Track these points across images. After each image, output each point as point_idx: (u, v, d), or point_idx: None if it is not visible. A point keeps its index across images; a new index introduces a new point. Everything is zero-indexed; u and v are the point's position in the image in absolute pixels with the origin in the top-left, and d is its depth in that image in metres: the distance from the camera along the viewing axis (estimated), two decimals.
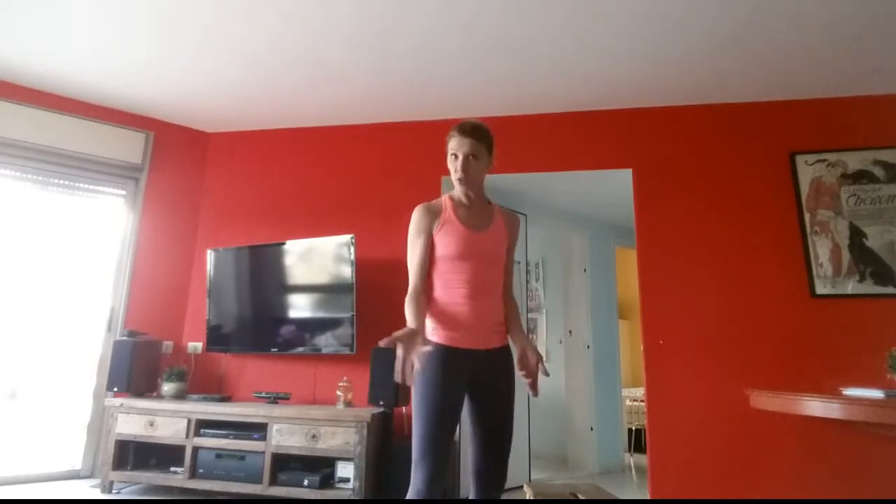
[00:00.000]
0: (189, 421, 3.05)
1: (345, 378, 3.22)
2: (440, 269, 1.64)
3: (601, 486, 2.72)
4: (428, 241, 1.66)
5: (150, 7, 2.61)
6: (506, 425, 1.60)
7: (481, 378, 1.59)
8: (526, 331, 1.88)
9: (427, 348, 1.48)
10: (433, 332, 1.58)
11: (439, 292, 1.62)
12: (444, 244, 1.64)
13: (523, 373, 1.60)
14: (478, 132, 1.66)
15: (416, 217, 1.70)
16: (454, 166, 1.67)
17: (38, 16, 2.73)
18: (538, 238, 5.14)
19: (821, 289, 2.93)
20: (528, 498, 1.64)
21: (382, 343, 1.34)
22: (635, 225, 3.28)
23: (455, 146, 1.66)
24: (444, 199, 1.74)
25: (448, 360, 1.54)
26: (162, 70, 3.20)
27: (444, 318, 1.58)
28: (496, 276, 1.69)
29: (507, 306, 1.72)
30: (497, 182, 3.78)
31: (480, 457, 1.57)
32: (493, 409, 1.60)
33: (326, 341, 3.29)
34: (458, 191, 1.72)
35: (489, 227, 1.69)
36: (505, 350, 1.67)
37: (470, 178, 1.66)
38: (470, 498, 1.59)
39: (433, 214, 1.68)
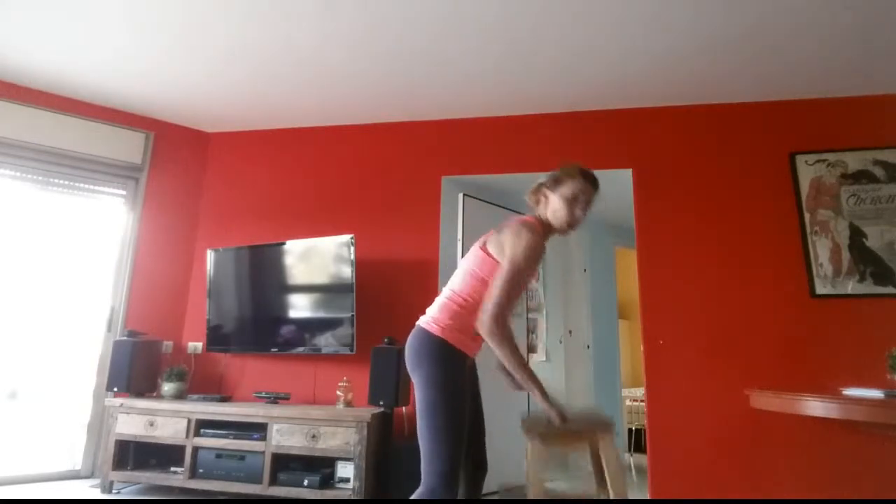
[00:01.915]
0: (189, 421, 3.05)
1: (345, 378, 3.22)
2: (482, 294, 1.57)
3: None
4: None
5: (151, 7, 2.61)
6: (478, 416, 1.71)
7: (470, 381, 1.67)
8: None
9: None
10: (457, 339, 1.54)
11: (475, 310, 1.55)
12: (526, 280, 1.57)
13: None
14: (597, 182, 1.69)
15: (539, 242, 1.55)
16: (576, 211, 1.62)
17: (39, 16, 2.73)
18: None
19: (821, 289, 2.93)
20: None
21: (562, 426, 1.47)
22: (635, 225, 3.28)
23: (585, 192, 1.63)
24: (539, 229, 1.62)
25: (465, 369, 1.58)
26: (162, 70, 3.20)
27: (469, 330, 1.57)
28: None
29: None
30: (497, 182, 3.78)
31: (476, 443, 1.65)
32: (478, 403, 1.71)
33: (326, 341, 3.29)
34: (551, 228, 1.67)
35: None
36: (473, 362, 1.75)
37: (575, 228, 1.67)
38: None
39: (543, 244, 1.59)
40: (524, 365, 1.49)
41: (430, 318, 1.58)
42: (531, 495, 1.53)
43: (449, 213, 3.63)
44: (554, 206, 1.64)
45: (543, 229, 1.64)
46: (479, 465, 1.66)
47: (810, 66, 2.91)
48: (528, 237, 1.52)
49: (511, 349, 1.47)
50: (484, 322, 1.47)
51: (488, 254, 1.58)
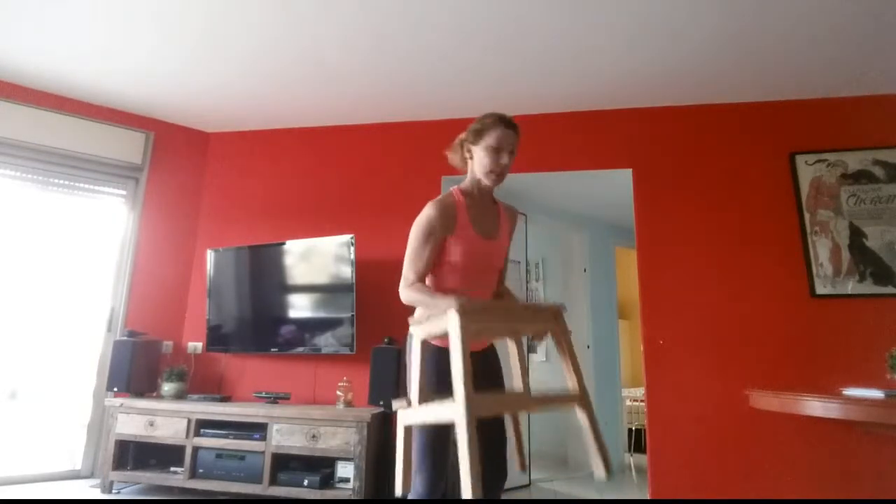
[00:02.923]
0: (189, 421, 3.05)
1: (345, 378, 3.22)
2: (440, 272, 1.59)
3: (600, 485, 2.70)
4: (437, 246, 1.54)
5: (151, 7, 2.61)
6: (497, 420, 1.61)
7: (475, 374, 1.60)
8: None
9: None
10: (427, 335, 1.56)
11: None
12: (455, 252, 1.56)
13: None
14: (517, 126, 1.61)
15: (431, 216, 1.53)
16: (491, 160, 1.56)
17: (39, 15, 2.73)
18: (538, 238, 5.14)
19: (821, 289, 2.93)
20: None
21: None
22: (635, 225, 3.28)
23: (497, 139, 1.56)
24: (457, 198, 1.60)
25: (444, 364, 1.53)
26: (162, 70, 3.20)
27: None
28: (494, 280, 1.70)
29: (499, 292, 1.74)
30: None
31: (498, 449, 1.60)
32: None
33: (326, 341, 3.29)
34: (476, 186, 1.63)
35: (498, 233, 1.66)
36: (491, 350, 1.68)
37: (504, 176, 1.60)
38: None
39: (449, 217, 1.55)
40: (421, 294, 1.50)
41: (412, 320, 1.60)
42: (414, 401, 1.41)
43: None
44: (479, 158, 1.59)
45: (458, 195, 1.61)
46: (499, 468, 1.60)
47: (810, 67, 2.91)
48: (427, 210, 1.55)
49: (411, 293, 1.51)
50: (401, 287, 1.54)
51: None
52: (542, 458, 4.75)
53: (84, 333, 3.52)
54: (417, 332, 1.47)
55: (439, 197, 1.60)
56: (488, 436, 1.57)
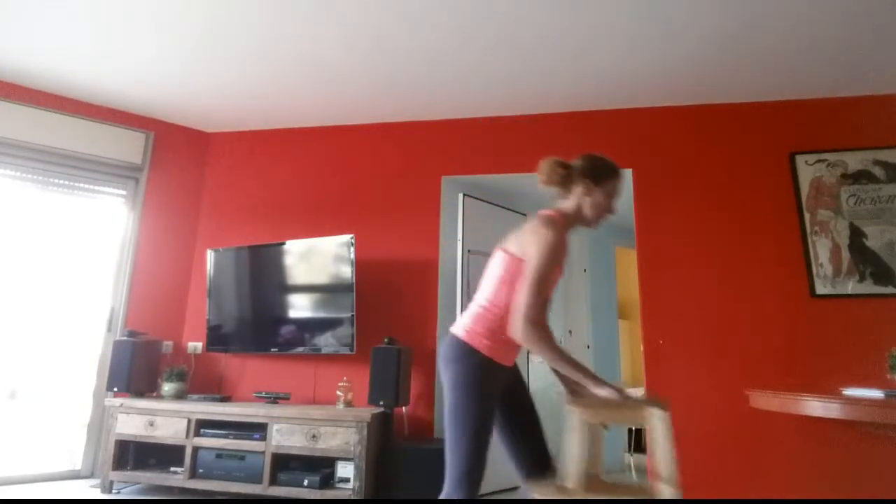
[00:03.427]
0: (189, 421, 3.05)
1: (345, 378, 3.22)
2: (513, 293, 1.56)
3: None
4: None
5: (151, 7, 2.61)
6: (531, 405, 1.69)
7: (509, 387, 1.65)
8: None
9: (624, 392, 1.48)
10: (486, 347, 1.53)
11: (505, 315, 1.55)
12: (553, 276, 1.54)
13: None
14: None
15: (562, 239, 1.52)
16: (608, 207, 1.64)
17: (39, 15, 2.73)
18: None
19: (821, 289, 2.93)
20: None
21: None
22: (635, 225, 3.28)
23: (619, 189, 1.66)
24: (565, 224, 1.62)
25: (494, 376, 1.55)
26: (162, 70, 3.20)
27: (504, 339, 1.55)
28: None
29: None
30: (497, 182, 3.78)
31: (538, 447, 1.64)
32: (529, 405, 1.68)
33: (326, 341, 3.29)
34: (578, 218, 1.65)
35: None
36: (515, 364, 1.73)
37: None
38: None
39: (566, 240, 1.57)
40: (567, 358, 1.46)
41: (461, 325, 1.59)
42: (572, 483, 1.41)
43: (449, 213, 3.63)
44: (598, 200, 1.63)
45: (566, 222, 1.63)
46: (544, 466, 1.63)
47: (810, 67, 2.91)
48: (548, 234, 1.49)
49: (549, 347, 1.45)
50: (517, 327, 1.45)
51: (510, 254, 1.56)
52: None
53: (84, 333, 3.52)
54: (582, 414, 1.44)
55: (553, 218, 1.57)
56: (534, 426, 1.64)
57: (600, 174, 1.64)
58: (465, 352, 1.53)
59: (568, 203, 1.66)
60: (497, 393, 1.56)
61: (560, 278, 1.63)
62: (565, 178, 1.66)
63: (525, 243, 1.53)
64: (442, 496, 1.48)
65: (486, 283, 1.62)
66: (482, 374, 1.51)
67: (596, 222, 1.66)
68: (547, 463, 1.64)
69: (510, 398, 1.65)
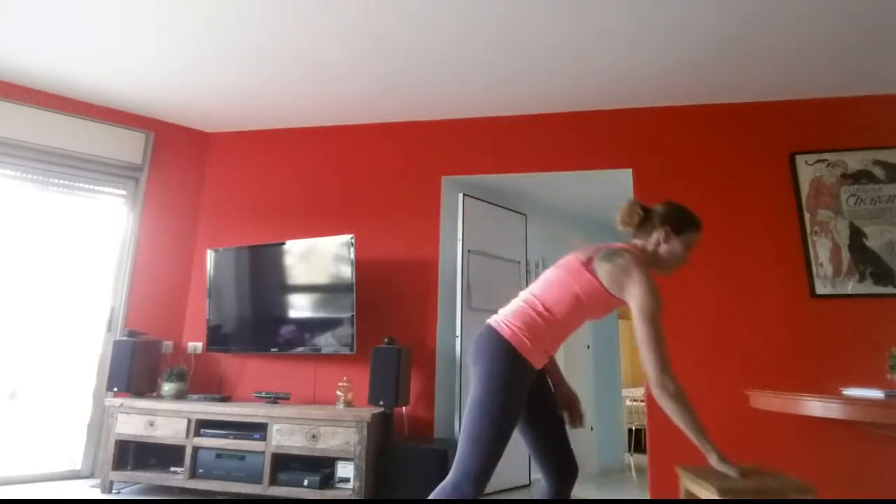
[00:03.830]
0: (189, 421, 3.05)
1: (345, 378, 3.22)
2: (577, 313, 1.56)
3: (600, 485, 2.71)
4: None
5: (150, 7, 2.61)
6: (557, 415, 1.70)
7: (534, 389, 1.65)
8: None
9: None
10: (526, 348, 1.52)
11: (555, 323, 1.55)
12: (613, 302, 1.57)
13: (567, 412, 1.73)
14: None
15: (654, 279, 1.53)
16: (684, 258, 1.66)
17: (39, 15, 2.73)
18: (538, 238, 5.13)
19: (821, 289, 2.93)
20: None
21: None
22: None
23: (696, 242, 1.68)
24: (645, 260, 1.64)
25: (527, 376, 1.54)
26: (162, 70, 3.20)
27: (543, 341, 1.55)
28: None
29: None
30: (497, 182, 3.78)
31: (562, 448, 1.65)
32: (553, 408, 1.69)
33: (326, 341, 3.29)
34: (651, 262, 1.66)
35: None
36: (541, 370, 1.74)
37: None
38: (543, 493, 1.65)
39: None
40: (698, 425, 1.44)
41: (501, 319, 1.57)
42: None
43: (449, 213, 3.63)
44: (675, 250, 1.65)
45: (646, 260, 1.64)
46: (572, 470, 1.63)
47: (810, 66, 2.91)
48: (647, 281, 1.50)
49: (682, 406, 1.43)
50: (654, 381, 1.45)
51: (595, 276, 1.54)
52: None
53: (84, 333, 3.52)
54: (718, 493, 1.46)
55: (639, 258, 1.58)
56: (558, 427, 1.66)
57: (682, 225, 1.65)
58: (504, 348, 1.51)
59: (645, 244, 1.68)
60: (524, 394, 1.55)
61: (609, 310, 1.63)
62: (644, 220, 1.68)
63: (626, 287, 1.51)
64: (443, 487, 1.45)
65: (544, 285, 1.59)
66: (517, 372, 1.50)
67: (668, 271, 1.67)
68: (571, 463, 1.64)
69: (536, 400, 1.65)
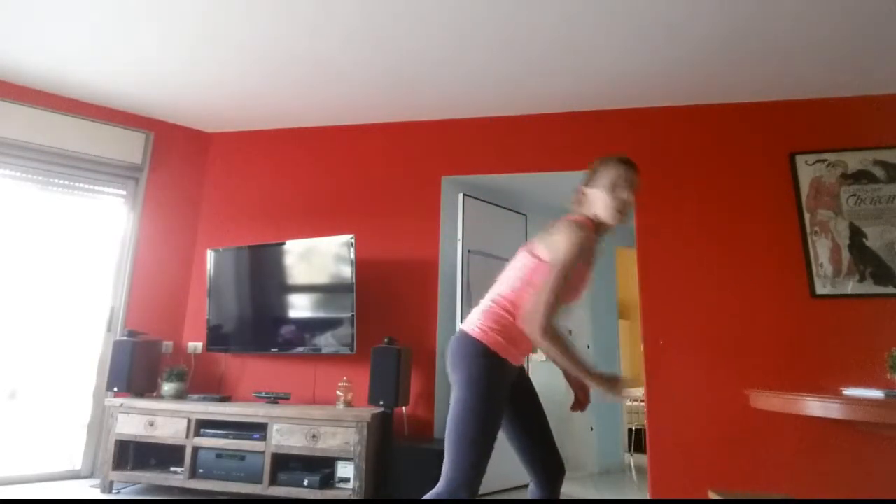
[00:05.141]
0: (189, 421, 3.05)
1: (345, 378, 3.22)
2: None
3: (600, 485, 2.71)
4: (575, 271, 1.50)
5: (150, 7, 2.61)
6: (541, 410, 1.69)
7: (516, 386, 1.65)
8: None
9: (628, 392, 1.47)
10: (500, 346, 1.51)
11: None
12: (576, 280, 1.52)
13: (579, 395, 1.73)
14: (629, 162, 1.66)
15: (585, 239, 1.48)
16: (626, 202, 1.59)
17: (39, 15, 2.73)
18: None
19: (821, 289, 2.93)
20: None
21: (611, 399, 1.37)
22: (635, 225, 3.28)
23: (623, 175, 1.59)
24: (591, 225, 1.59)
25: (506, 376, 1.54)
26: (162, 70, 3.20)
27: (517, 338, 1.54)
28: None
29: None
30: (497, 182, 3.78)
31: (546, 447, 1.63)
32: (536, 405, 1.68)
33: (326, 341, 3.29)
34: (603, 224, 1.62)
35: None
36: (523, 369, 1.72)
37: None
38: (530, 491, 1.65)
39: (592, 241, 1.53)
40: (578, 356, 1.44)
41: (472, 323, 1.57)
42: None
43: (449, 213, 3.63)
44: (597, 199, 1.61)
45: (593, 226, 1.61)
46: (558, 468, 1.63)
47: (810, 66, 2.91)
48: (573, 234, 1.48)
49: (563, 347, 1.43)
50: (532, 323, 1.44)
51: (536, 256, 1.54)
52: None
53: (84, 333, 3.52)
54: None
55: (580, 220, 1.56)
56: (541, 425, 1.64)
57: (592, 177, 1.65)
58: (478, 350, 1.50)
59: (587, 210, 1.66)
60: (506, 393, 1.55)
61: (584, 287, 1.60)
62: (577, 194, 1.69)
63: (552, 245, 1.51)
64: (437, 495, 1.44)
65: (505, 282, 1.60)
66: (495, 373, 1.49)
67: (615, 219, 1.61)
68: (556, 461, 1.63)
69: (517, 398, 1.65)
